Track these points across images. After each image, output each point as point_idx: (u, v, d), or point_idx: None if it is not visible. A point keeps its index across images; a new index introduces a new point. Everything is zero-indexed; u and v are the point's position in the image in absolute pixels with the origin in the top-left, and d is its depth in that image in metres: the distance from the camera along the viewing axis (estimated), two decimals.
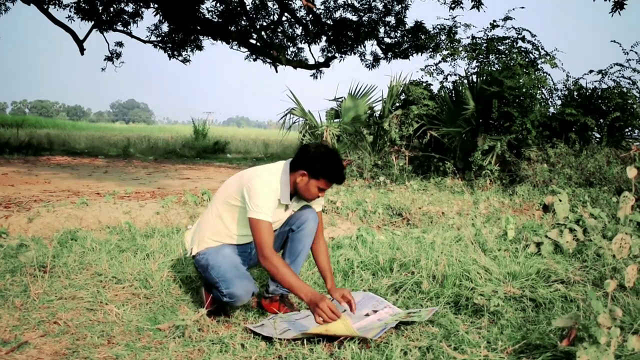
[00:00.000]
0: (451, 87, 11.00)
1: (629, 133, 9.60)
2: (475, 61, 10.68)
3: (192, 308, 3.29)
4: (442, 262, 3.61)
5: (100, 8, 16.18)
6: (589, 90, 9.74)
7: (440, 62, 11.20)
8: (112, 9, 16.56)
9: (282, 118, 12.28)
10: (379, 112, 11.83)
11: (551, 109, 9.84)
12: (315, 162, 2.98)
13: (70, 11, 15.56)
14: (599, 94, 9.53)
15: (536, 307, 3.14)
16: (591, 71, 9.74)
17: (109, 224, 5.36)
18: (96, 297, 3.32)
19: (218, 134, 26.23)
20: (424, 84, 11.30)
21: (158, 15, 16.42)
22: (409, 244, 4.38)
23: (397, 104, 11.54)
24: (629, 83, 9.42)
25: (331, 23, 16.87)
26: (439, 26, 14.04)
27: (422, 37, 15.37)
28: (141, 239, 4.64)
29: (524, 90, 9.28)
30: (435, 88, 11.39)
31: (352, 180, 9.56)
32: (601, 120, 9.32)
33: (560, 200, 5.72)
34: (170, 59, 18.10)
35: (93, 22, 16.06)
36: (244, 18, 16.87)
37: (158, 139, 23.38)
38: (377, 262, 4.01)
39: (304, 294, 2.79)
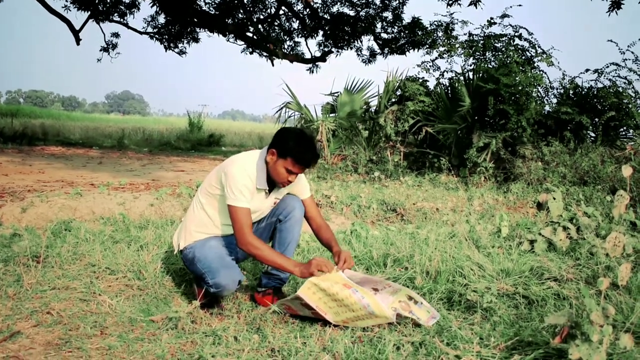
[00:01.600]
0: (447, 84, 11.00)
1: (623, 132, 9.63)
2: (471, 58, 10.68)
3: (185, 300, 3.29)
4: (436, 258, 3.61)
5: None
6: (585, 89, 9.75)
7: (436, 58, 11.18)
8: (108, 0, 16.46)
9: (277, 112, 12.25)
10: (374, 108, 11.82)
11: (547, 107, 9.86)
12: (285, 141, 2.95)
13: (66, 1, 15.46)
14: (595, 93, 9.55)
15: (529, 304, 3.14)
16: (587, 70, 9.75)
17: (103, 215, 5.34)
18: (89, 288, 3.31)
19: (213, 126, 26.18)
20: (420, 80, 11.29)
21: (155, 7, 16.34)
22: (403, 239, 4.38)
23: (393, 100, 11.53)
24: (624, 83, 9.44)
25: (328, 17, 16.84)
26: (436, 22, 14.05)
27: (419, 33, 15.35)
28: (135, 231, 4.63)
29: (520, 88, 9.29)
30: (431, 84, 11.40)
31: (346, 175, 9.56)
32: (596, 119, 9.34)
33: (554, 199, 5.73)
34: (166, 51, 18.05)
35: (89, 12, 15.97)
36: (241, 11, 16.82)
37: (153, 130, 23.32)
38: (370, 257, 4.01)
39: (293, 267, 2.90)
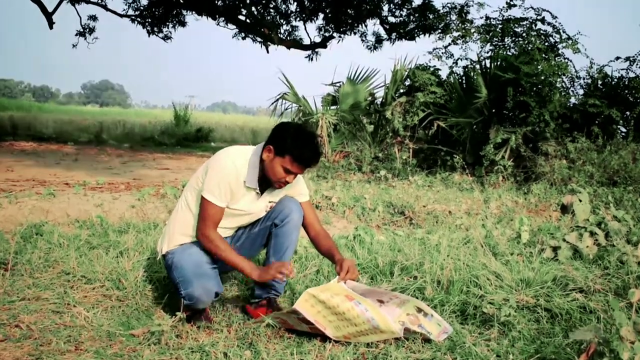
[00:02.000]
0: (462, 73, 11.01)
1: None
2: (488, 44, 10.68)
3: (170, 312, 3.28)
4: (448, 267, 3.60)
5: None
6: (615, 79, 9.75)
7: (449, 44, 11.20)
8: None
9: (273, 104, 12.25)
10: (380, 99, 11.82)
11: (572, 99, 9.86)
12: (284, 137, 2.94)
13: None
14: (626, 83, 9.54)
15: (552, 318, 3.14)
16: (618, 58, 9.73)
17: (79, 218, 5.33)
18: (63, 299, 3.30)
19: (201, 120, 26.17)
20: (432, 69, 11.28)
21: None
22: (412, 245, 4.38)
23: (401, 91, 11.53)
24: None
25: None
26: (449, 5, 14.03)
27: (430, 17, 15.35)
28: (114, 235, 4.63)
29: (542, 77, 9.28)
30: (443, 74, 11.40)
31: (349, 174, 9.56)
32: (627, 113, 9.33)
33: (580, 201, 5.73)
34: (149, 36, 18.01)
35: None
36: None
37: (134, 124, 23.32)
38: (376, 265, 4.01)
39: (250, 269, 2.99)
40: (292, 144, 2.91)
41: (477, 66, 10.61)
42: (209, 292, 2.99)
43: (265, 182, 3.09)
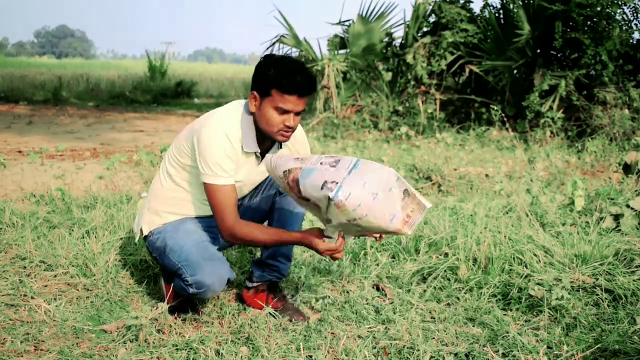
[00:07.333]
0: (499, 6, 10.86)
1: None
2: None
3: (149, 302, 3.29)
4: (486, 241, 3.59)
5: None
6: None
7: None
8: None
9: (268, 49, 12.16)
10: (400, 41, 11.71)
11: (636, 35, 9.74)
12: (264, 73, 2.88)
13: None
14: None
15: (614, 301, 3.13)
16: None
17: (35, 192, 5.33)
18: (18, 289, 3.30)
19: (182, 71, 26.07)
20: (462, 2, 11.16)
21: None
22: (441, 216, 4.36)
23: (425, 29, 11.42)
24: None
25: None
26: None
27: None
28: (79, 211, 4.62)
29: (598, 8, 9.16)
30: (476, 7, 11.31)
31: (363, 133, 9.53)
32: None
33: None
34: None
35: None
36: None
37: (100, 78, 23.25)
38: (397, 241, 4.00)
39: (299, 238, 2.92)
40: (275, 74, 2.83)
41: None
42: (221, 279, 2.96)
43: (264, 140, 3.05)
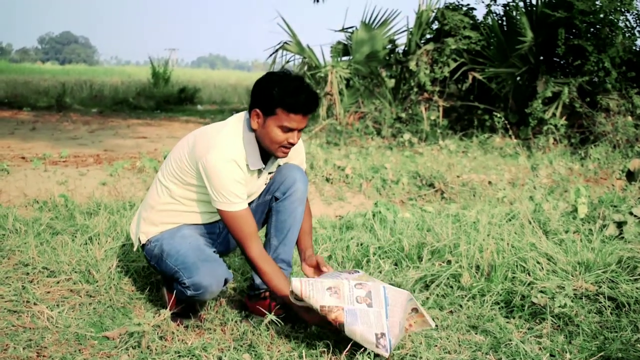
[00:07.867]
0: (502, 13, 10.88)
1: None
2: None
3: (151, 309, 3.29)
4: (489, 248, 3.59)
5: None
6: None
7: None
8: None
9: (271, 55, 12.18)
10: (403, 47, 11.73)
11: (638, 42, 9.74)
12: (268, 92, 2.89)
13: None
14: None
15: (617, 309, 3.13)
16: None
17: (38, 198, 5.34)
18: (21, 295, 3.31)
19: (185, 78, 26.06)
20: (465, 9, 11.17)
21: None
22: (444, 223, 4.36)
23: (428, 36, 11.44)
24: None
25: None
26: None
27: None
28: (82, 218, 4.63)
29: (601, 15, 9.17)
30: (479, 14, 11.33)
31: (366, 140, 9.53)
32: None
33: None
34: None
35: None
36: None
37: (104, 84, 23.27)
38: (400, 248, 3.99)
39: (296, 309, 2.88)
40: (280, 93, 2.85)
41: (521, 3, 10.48)
42: (219, 280, 2.98)
43: (266, 155, 3.07)
